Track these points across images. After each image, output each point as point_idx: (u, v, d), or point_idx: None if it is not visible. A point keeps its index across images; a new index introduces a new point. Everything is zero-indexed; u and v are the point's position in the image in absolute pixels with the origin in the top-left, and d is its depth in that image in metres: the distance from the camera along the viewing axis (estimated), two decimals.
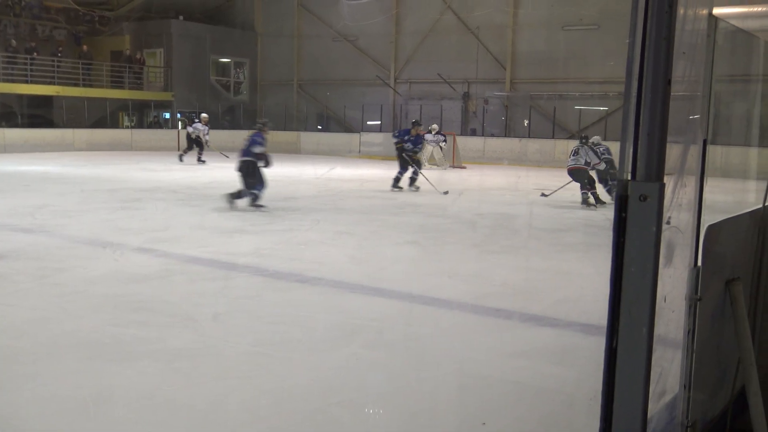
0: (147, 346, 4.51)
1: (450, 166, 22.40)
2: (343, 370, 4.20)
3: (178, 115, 31.26)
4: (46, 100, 28.06)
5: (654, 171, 1.74)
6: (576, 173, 13.11)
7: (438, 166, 21.84)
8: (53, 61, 27.73)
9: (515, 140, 25.78)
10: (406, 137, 14.94)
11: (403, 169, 14.75)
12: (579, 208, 12.55)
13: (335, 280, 6.49)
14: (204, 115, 21.23)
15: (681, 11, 1.84)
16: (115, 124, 30.13)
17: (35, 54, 27.54)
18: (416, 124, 15.30)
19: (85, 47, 29.57)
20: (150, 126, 31.11)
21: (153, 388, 3.84)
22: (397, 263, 7.43)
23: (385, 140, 27.14)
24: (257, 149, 11.10)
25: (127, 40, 31.41)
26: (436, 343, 4.77)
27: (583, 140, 13.65)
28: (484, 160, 25.29)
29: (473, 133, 27.71)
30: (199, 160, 20.88)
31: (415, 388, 3.98)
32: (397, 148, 14.89)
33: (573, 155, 13.29)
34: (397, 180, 14.72)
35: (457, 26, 28.28)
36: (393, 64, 30.22)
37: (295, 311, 5.46)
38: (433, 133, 21.52)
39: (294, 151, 29.59)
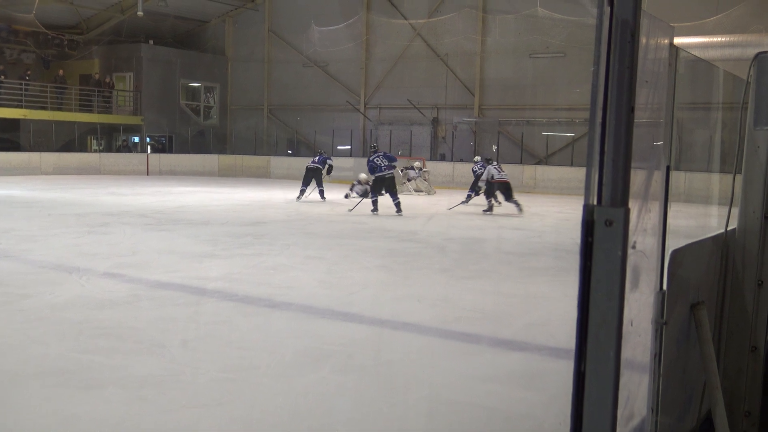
0: (114, 374, 4.43)
1: (434, 192, 22.65)
2: (313, 395, 4.16)
3: (147, 139, 31.04)
4: (13, 124, 27.71)
5: (619, 196, 1.76)
6: (509, 185, 16.43)
7: (426, 192, 22.27)
8: (21, 84, 27.44)
9: None
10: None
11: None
12: (548, 232, 12.66)
13: (305, 305, 6.45)
14: (362, 176, 19.82)
15: (643, 41, 1.87)
16: (83, 147, 29.83)
17: (2, 77, 27.23)
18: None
19: (61, 72, 29.32)
20: (119, 150, 30.83)
21: (120, 417, 3.77)
22: (367, 288, 7.41)
23: (356, 165, 27.23)
24: (395, 163, 15.57)
25: (97, 64, 31.22)
26: (405, 368, 4.76)
27: (490, 159, 18.20)
28: (453, 185, 25.43)
29: (442, 158, 27.91)
30: (346, 196, 19.59)
31: (385, 414, 3.95)
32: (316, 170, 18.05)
33: (501, 170, 16.64)
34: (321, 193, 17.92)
35: (427, 53, 28.56)
36: (363, 90, 30.39)
37: (265, 336, 5.41)
38: (416, 169, 22.49)
39: (264, 176, 29.52)
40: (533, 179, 24.86)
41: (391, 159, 15.42)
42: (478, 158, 19.84)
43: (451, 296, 7.06)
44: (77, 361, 4.67)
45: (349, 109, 30.19)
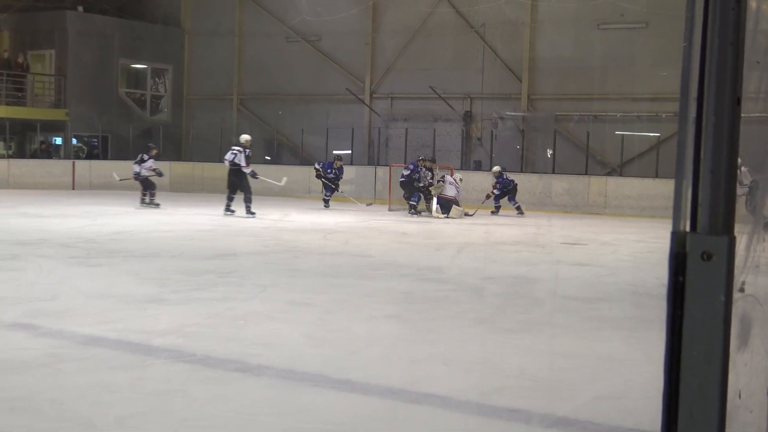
0: None
1: (465, 213, 22.19)
2: None
3: (74, 141, 31.19)
4: None
5: (721, 220, 1.76)
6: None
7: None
8: None
9: (535, 177, 25.99)
10: (329, 170, 23.91)
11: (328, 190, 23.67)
12: (623, 269, 12.65)
13: (288, 369, 6.45)
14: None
15: (753, 5, 1.88)
16: None
17: None
18: (338, 158, 24.42)
19: None
20: (35, 155, 31.02)
21: None
22: (373, 345, 7.40)
23: (359, 176, 27.27)
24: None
25: (6, 38, 31.49)
26: None
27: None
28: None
29: (478, 166, 27.90)
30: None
31: None
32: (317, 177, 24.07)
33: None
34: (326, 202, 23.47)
35: (456, 23, 28.72)
36: (369, 74, 30.56)
37: (233, 412, 5.41)
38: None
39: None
40: (603, 196, 24.81)
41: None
42: (497, 168, 23.84)
43: (490, 357, 7.05)
44: None
45: (350, 99, 30.31)
